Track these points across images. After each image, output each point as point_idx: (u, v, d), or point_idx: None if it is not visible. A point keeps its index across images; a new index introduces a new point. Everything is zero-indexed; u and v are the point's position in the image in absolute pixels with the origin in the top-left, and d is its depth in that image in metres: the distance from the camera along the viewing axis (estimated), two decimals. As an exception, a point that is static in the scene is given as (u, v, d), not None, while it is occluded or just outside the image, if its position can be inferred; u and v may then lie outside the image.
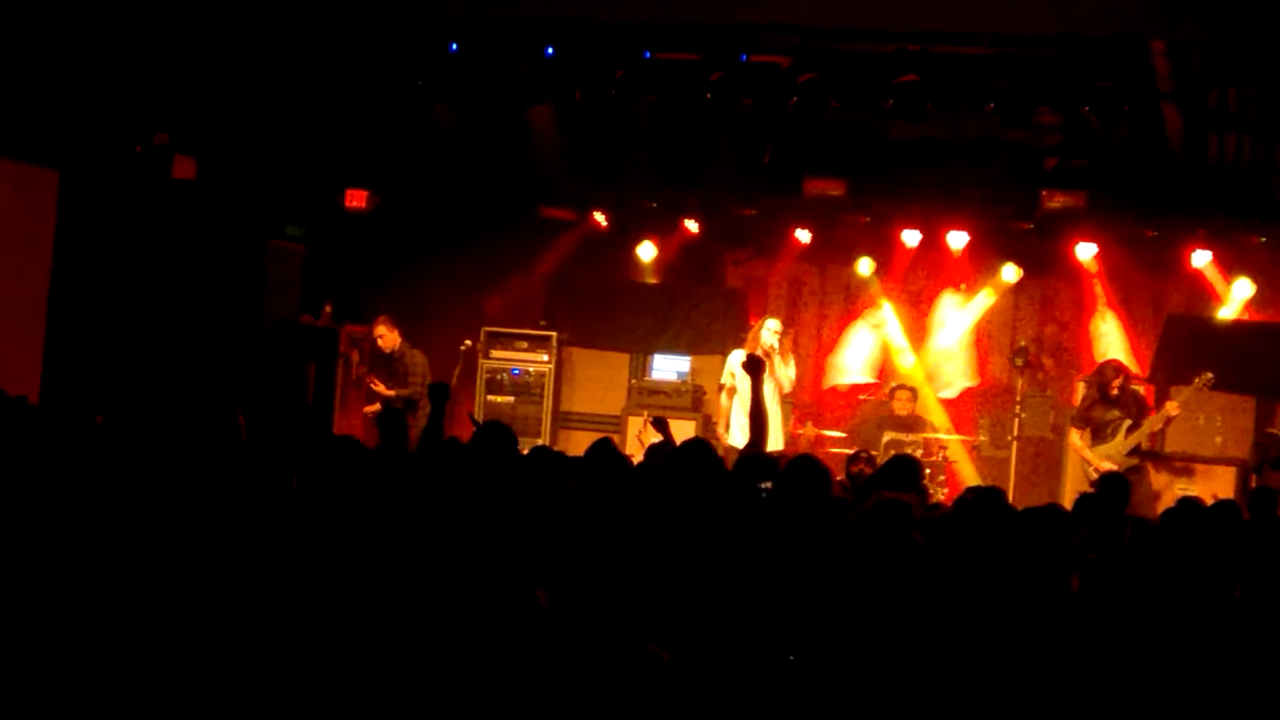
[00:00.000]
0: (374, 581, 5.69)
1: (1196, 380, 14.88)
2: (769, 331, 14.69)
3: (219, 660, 4.97)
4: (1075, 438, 15.13)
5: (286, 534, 5.95)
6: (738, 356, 14.27)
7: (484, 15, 14.90)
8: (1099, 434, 14.83)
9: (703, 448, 8.94)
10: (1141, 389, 15.49)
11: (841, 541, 6.32)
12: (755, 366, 10.39)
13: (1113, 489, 9.79)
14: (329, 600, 5.45)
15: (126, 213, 15.16)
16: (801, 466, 8.27)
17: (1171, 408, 14.66)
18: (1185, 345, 16.46)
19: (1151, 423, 14.80)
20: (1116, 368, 15.11)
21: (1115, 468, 13.71)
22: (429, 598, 5.40)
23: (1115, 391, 14.77)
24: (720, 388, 14.89)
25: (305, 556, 5.81)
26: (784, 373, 14.74)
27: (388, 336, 16.30)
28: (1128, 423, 14.66)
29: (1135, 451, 14.71)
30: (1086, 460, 14.77)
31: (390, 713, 4.85)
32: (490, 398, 17.46)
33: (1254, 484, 15.03)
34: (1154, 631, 5.94)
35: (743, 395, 14.01)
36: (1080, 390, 16.53)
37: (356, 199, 17.62)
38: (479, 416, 16.09)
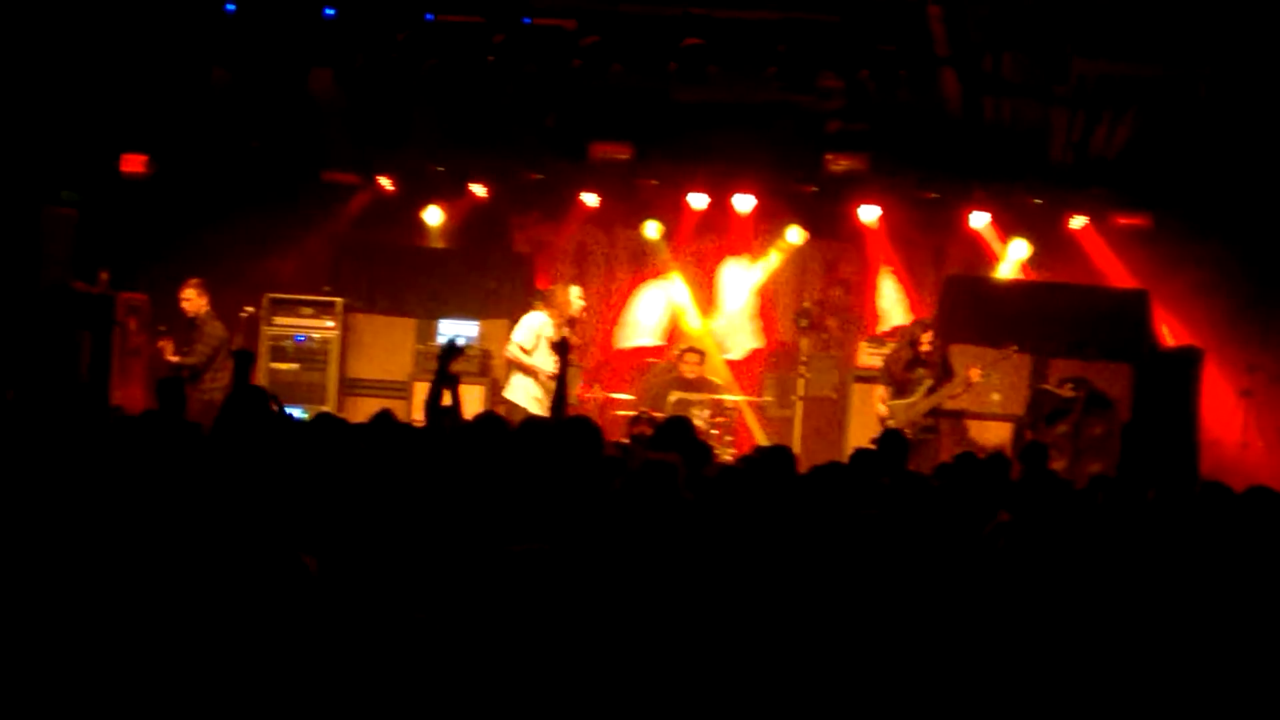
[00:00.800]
0: (144, 548, 5.59)
1: (1004, 350, 15.18)
2: (576, 297, 14.76)
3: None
4: (880, 391, 15.26)
5: (53, 500, 5.84)
6: (539, 320, 14.44)
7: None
8: (901, 392, 15.00)
9: (494, 422, 8.89)
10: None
11: (611, 502, 6.36)
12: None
13: (891, 446, 9.96)
14: (100, 569, 5.34)
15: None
16: (574, 428, 8.30)
17: (974, 374, 14.82)
18: (964, 305, 16.79)
19: (951, 387, 14.96)
20: (927, 324, 15.30)
21: (901, 425, 13.93)
22: (201, 563, 5.30)
23: (927, 348, 14.92)
24: (518, 347, 14.68)
25: (74, 521, 5.70)
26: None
27: (194, 301, 15.64)
28: (929, 383, 14.85)
29: (934, 413, 14.92)
30: (881, 415, 14.92)
31: (163, 677, 4.77)
32: (274, 365, 17.18)
33: (1028, 439, 15.41)
34: (922, 581, 6.04)
35: (539, 364, 14.08)
36: (863, 350, 16.81)
37: (133, 164, 17.24)
38: (264, 383, 15.88)
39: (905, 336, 15.41)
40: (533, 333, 14.50)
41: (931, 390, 14.82)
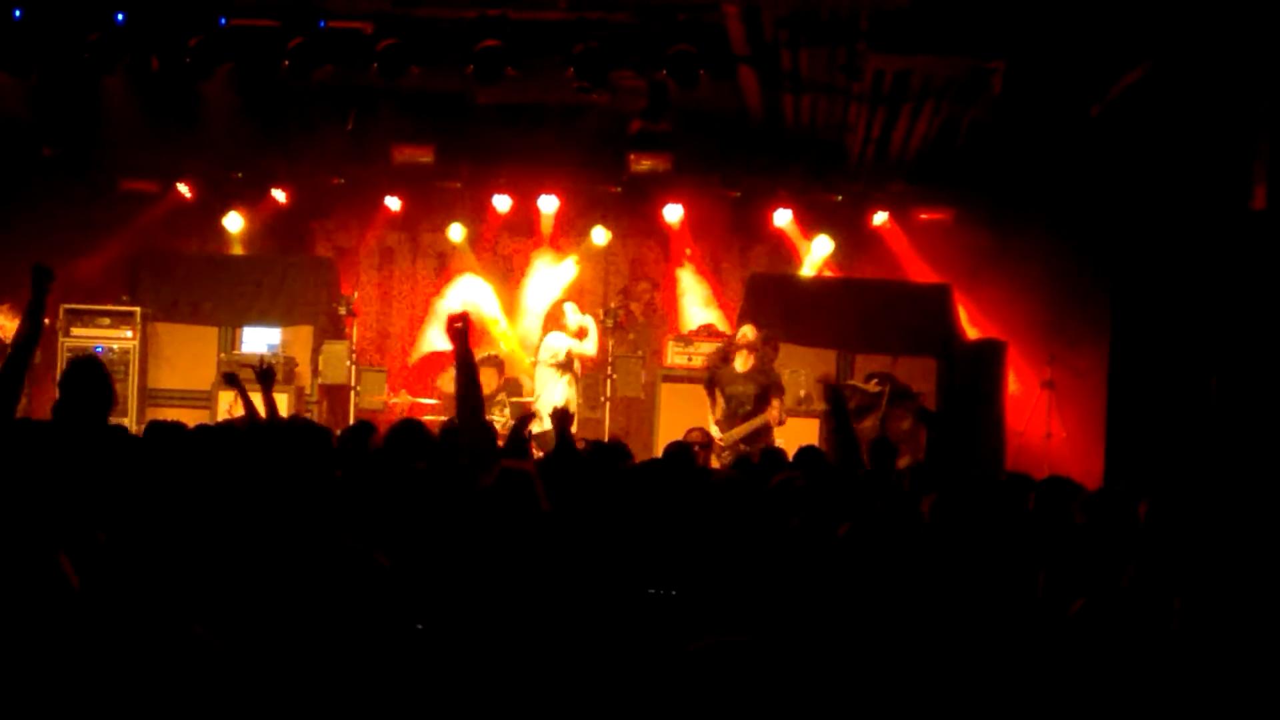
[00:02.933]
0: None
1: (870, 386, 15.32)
2: (574, 313, 15.40)
3: None
4: (710, 412, 14.90)
5: None
6: (559, 340, 15.34)
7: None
8: (728, 404, 14.70)
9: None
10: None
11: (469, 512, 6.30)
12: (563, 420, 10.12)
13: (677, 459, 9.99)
14: None
15: None
16: (404, 432, 8.24)
17: (773, 416, 14.57)
18: (769, 302, 16.90)
19: (763, 418, 14.60)
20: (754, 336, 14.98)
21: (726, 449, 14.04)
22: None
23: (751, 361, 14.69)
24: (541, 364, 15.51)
25: None
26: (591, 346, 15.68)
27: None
28: (747, 409, 14.55)
29: (749, 438, 14.56)
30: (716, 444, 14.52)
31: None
32: (73, 378, 16.79)
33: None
34: (731, 572, 6.05)
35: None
36: (670, 349, 16.82)
37: (-82, 170, 16.85)
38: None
39: (723, 349, 15.19)
40: (561, 350, 15.35)
41: (748, 417, 14.50)
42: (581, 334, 15.31)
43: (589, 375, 17.57)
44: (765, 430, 14.30)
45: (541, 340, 15.85)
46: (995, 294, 17.37)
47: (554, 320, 15.49)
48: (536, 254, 18.45)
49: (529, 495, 6.27)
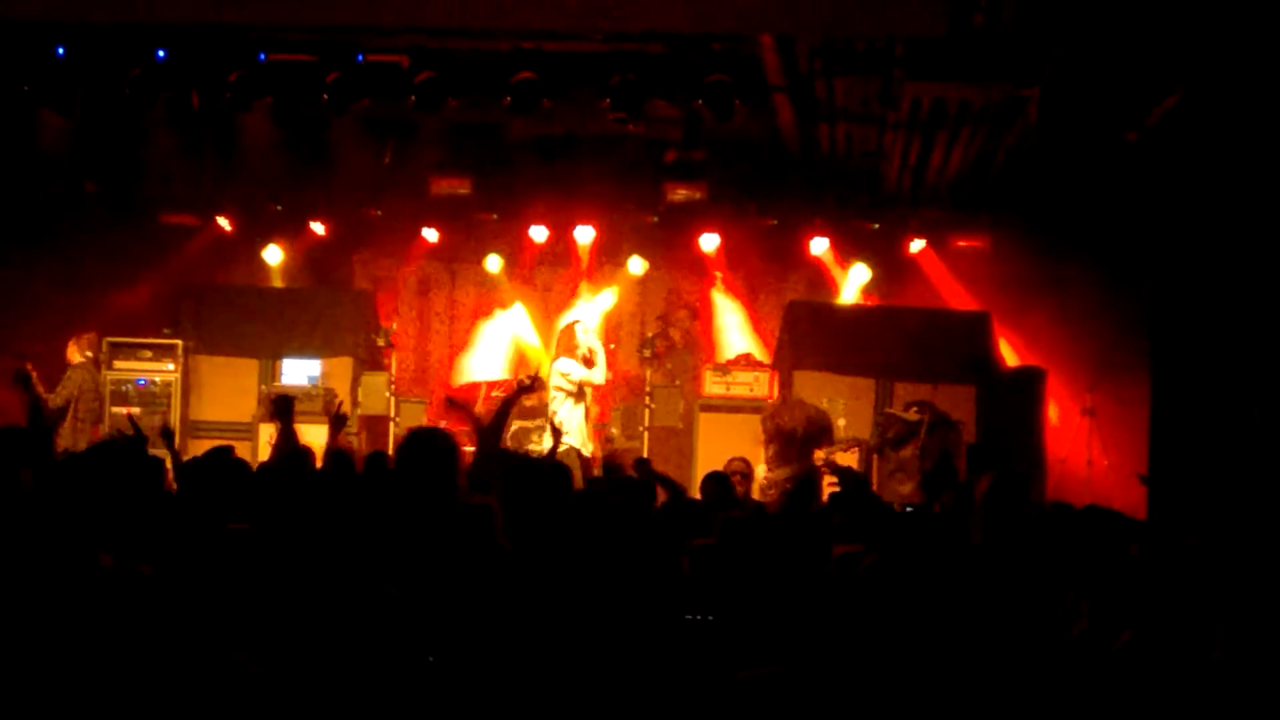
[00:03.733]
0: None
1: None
2: (584, 334, 14.99)
3: None
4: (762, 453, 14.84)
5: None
6: (566, 364, 14.92)
7: (90, 23, 14.41)
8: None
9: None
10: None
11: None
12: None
13: (714, 486, 10.02)
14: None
15: None
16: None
17: (818, 457, 14.40)
18: (807, 331, 16.87)
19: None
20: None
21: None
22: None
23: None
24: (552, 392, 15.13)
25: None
26: (599, 374, 15.23)
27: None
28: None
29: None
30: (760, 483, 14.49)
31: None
32: (115, 409, 16.87)
33: (876, 464, 15.52)
34: (756, 605, 6.04)
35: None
36: (708, 378, 16.79)
37: (-33, 210, 16.99)
38: (105, 429, 15.72)
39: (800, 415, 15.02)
40: (574, 375, 14.93)
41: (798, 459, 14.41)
42: (590, 358, 15.10)
43: (627, 404, 17.58)
44: (814, 473, 14.22)
45: (553, 363, 15.83)
46: (1034, 321, 17.32)
47: (566, 341, 15.39)
48: (573, 284, 18.48)
49: (488, 529, 6.25)
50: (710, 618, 6.26)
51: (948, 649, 5.72)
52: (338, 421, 9.91)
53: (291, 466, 8.97)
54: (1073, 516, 8.17)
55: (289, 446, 9.49)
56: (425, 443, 8.00)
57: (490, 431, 9.61)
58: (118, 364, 17.11)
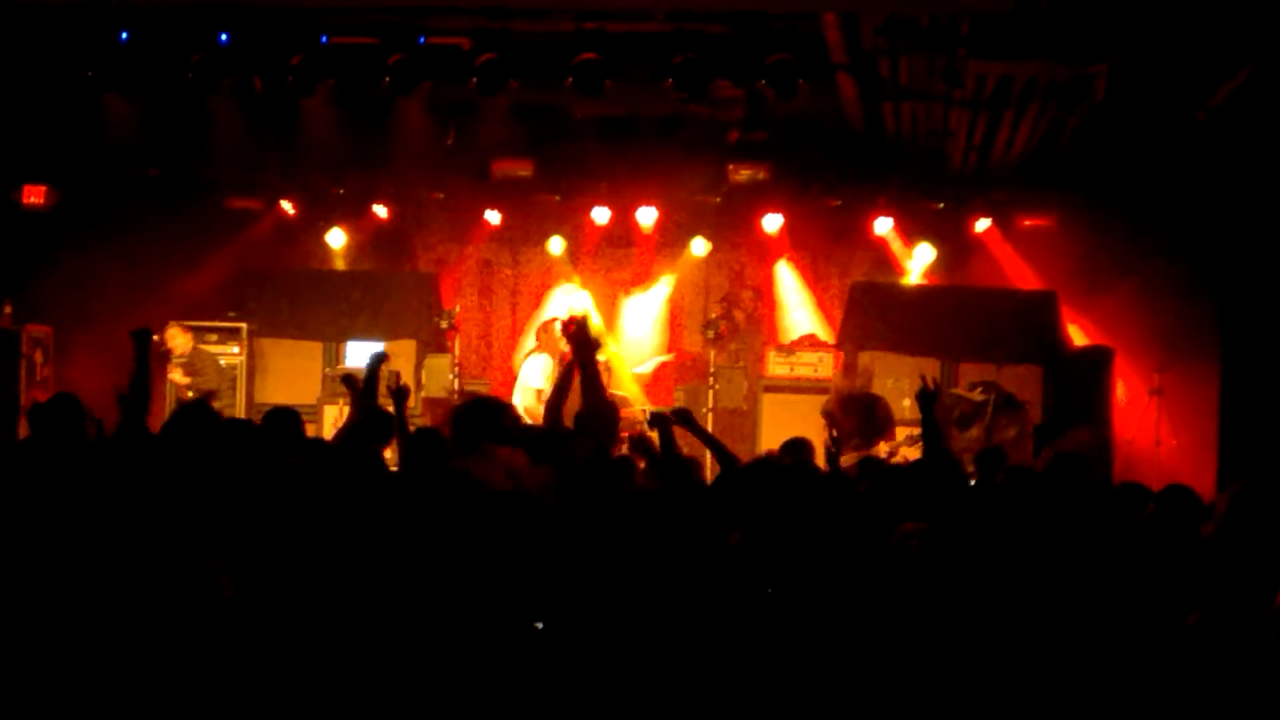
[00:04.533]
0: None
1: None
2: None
3: None
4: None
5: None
6: (541, 361, 15.29)
7: (154, 6, 14.48)
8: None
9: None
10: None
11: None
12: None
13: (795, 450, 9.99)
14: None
15: None
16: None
17: (883, 449, 14.27)
18: (871, 312, 16.81)
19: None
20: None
21: None
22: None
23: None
24: (535, 393, 15.16)
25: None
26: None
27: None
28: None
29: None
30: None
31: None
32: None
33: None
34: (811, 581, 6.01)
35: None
36: (771, 359, 16.74)
37: (35, 195, 17.15)
38: (167, 412, 15.77)
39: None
40: (544, 375, 15.06)
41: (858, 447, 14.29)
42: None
43: (690, 385, 17.53)
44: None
45: (524, 360, 15.75)
46: (1101, 300, 17.17)
47: (545, 338, 15.37)
48: (636, 266, 18.46)
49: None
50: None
51: (1003, 626, 5.69)
52: (400, 395, 9.94)
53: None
54: (1148, 497, 8.11)
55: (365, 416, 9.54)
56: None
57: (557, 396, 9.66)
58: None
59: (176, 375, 16.17)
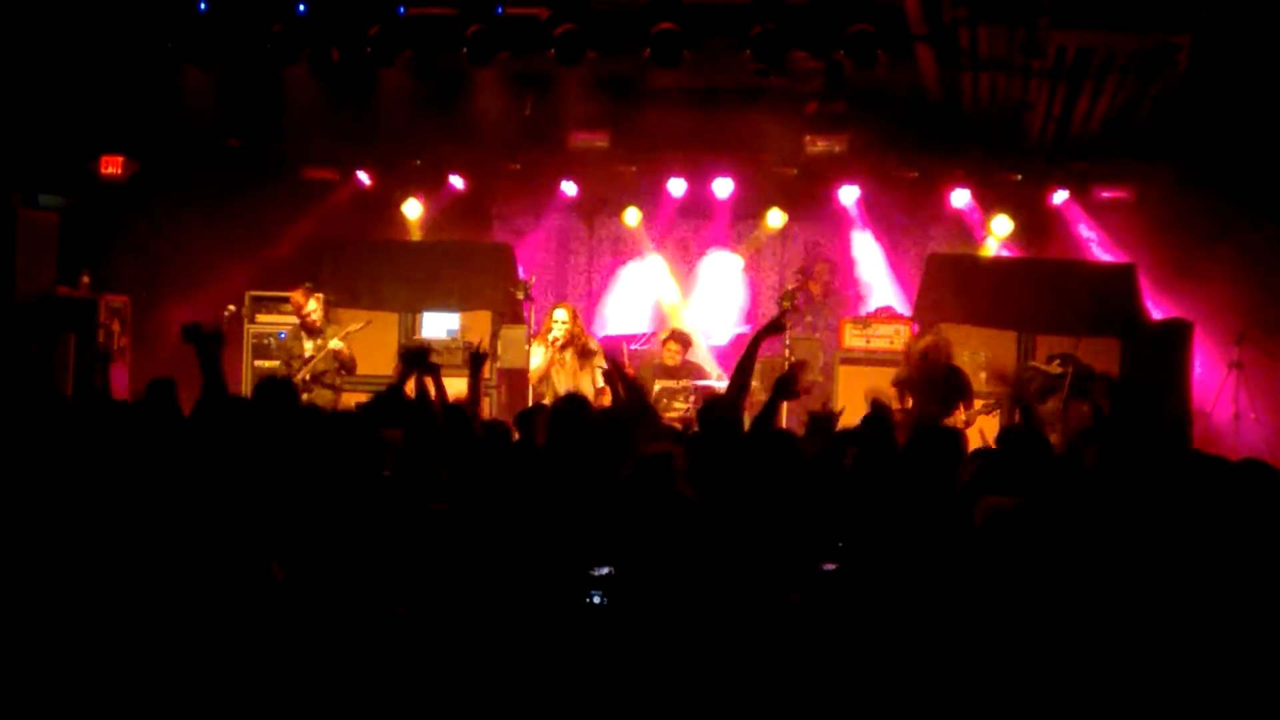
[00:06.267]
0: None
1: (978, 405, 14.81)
2: (557, 324, 15.13)
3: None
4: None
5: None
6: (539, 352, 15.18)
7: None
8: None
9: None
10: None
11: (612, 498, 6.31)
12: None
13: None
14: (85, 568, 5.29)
15: None
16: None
17: (960, 419, 14.22)
18: (948, 284, 16.68)
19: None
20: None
21: None
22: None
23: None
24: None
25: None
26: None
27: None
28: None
29: None
30: None
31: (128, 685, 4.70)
32: (257, 363, 17.02)
33: (1018, 417, 15.28)
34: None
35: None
36: (848, 331, 16.68)
37: (113, 165, 17.25)
38: (246, 382, 15.90)
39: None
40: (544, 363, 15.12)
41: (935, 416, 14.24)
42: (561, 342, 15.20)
43: (767, 357, 17.48)
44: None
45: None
46: (1179, 273, 17.04)
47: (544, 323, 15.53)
48: (712, 237, 18.46)
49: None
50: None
51: (1086, 599, 5.66)
52: (476, 360, 9.99)
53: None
54: (1228, 470, 8.04)
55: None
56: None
57: (742, 371, 9.57)
58: (260, 317, 17.25)
59: (335, 342, 15.74)
